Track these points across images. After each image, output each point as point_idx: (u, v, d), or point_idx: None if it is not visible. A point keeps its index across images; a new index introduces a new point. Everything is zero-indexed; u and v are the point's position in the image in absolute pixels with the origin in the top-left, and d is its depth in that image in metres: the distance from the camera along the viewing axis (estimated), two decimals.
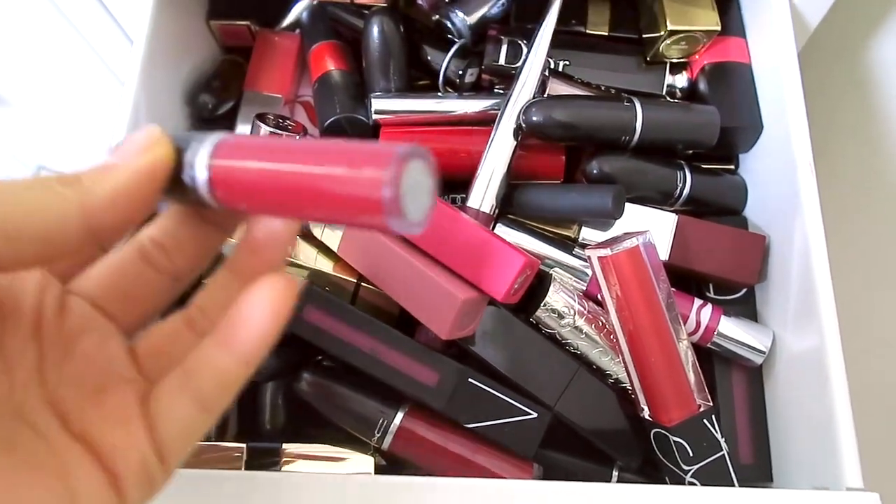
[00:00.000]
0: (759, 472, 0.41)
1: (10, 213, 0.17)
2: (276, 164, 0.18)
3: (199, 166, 0.19)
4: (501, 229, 0.43)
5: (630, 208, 0.43)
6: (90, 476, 0.19)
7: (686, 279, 0.45)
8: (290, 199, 0.18)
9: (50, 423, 0.20)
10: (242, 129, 0.51)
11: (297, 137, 0.48)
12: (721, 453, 0.38)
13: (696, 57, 0.48)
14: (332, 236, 0.42)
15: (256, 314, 0.20)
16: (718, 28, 0.46)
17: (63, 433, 0.20)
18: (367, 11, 0.48)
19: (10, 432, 0.19)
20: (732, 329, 0.42)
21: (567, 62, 0.47)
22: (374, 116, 0.47)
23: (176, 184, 0.20)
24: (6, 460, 0.18)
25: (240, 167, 0.19)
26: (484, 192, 0.42)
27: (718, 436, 0.38)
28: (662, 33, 0.45)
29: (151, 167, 0.19)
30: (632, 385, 0.39)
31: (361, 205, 0.16)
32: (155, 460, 0.20)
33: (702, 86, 0.47)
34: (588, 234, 0.43)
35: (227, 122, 0.51)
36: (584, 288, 0.42)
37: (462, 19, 0.46)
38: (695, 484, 0.38)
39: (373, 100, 0.47)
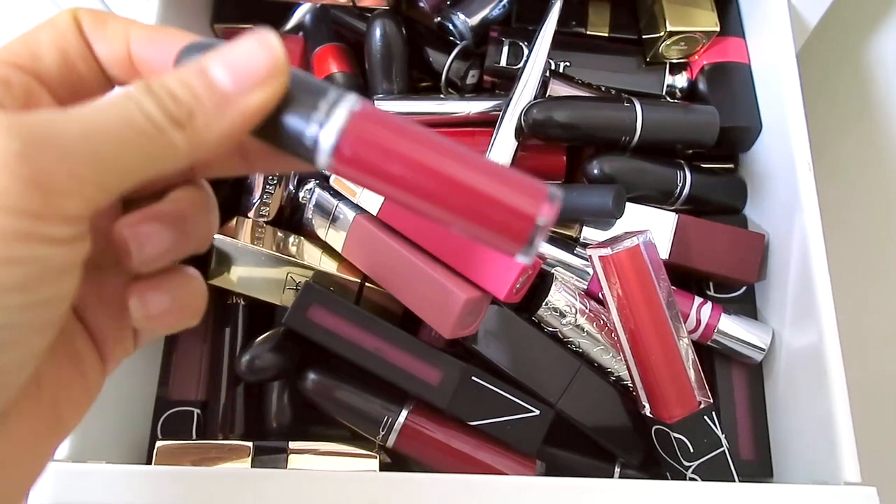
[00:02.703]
0: (759, 468, 0.42)
1: (111, 168, 0.15)
2: (425, 156, 0.17)
3: (328, 132, 0.17)
4: None
5: (630, 208, 0.43)
6: None
7: (686, 277, 0.45)
8: (431, 194, 0.17)
9: None
10: None
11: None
12: (722, 449, 0.39)
13: (696, 57, 0.49)
14: (336, 237, 0.42)
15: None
16: (717, 29, 0.46)
17: None
18: (369, 14, 0.49)
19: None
20: (732, 327, 0.42)
21: (568, 63, 0.48)
22: None
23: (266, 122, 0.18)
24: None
25: (382, 146, 0.17)
26: None
27: (719, 432, 0.39)
28: (662, 34, 0.46)
29: (265, 106, 0.17)
30: (633, 382, 0.39)
31: (510, 225, 0.17)
32: None
33: (701, 86, 0.48)
34: (589, 233, 0.43)
35: None
36: (586, 287, 0.43)
37: (464, 21, 0.46)
38: (696, 479, 0.38)
39: (375, 102, 0.47)
